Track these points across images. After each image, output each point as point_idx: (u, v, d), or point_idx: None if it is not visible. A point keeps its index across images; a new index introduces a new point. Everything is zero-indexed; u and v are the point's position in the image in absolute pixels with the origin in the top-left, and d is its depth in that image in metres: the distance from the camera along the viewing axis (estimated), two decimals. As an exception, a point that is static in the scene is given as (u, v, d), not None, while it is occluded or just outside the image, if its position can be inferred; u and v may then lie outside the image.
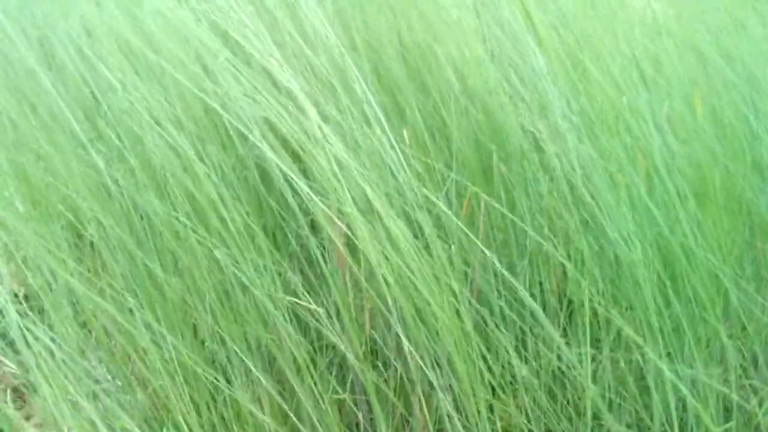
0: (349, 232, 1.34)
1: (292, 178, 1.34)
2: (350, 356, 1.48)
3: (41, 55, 1.67)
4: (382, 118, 1.34)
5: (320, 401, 1.50)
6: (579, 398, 1.57)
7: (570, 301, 1.59)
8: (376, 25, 1.65)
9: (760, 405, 1.54)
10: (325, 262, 1.52)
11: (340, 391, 1.58)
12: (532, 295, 1.53)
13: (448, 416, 1.42)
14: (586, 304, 1.38)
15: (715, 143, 1.27)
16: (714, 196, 1.27)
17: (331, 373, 1.61)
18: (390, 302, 1.37)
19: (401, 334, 1.40)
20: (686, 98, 1.29)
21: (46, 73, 1.49)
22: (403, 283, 1.31)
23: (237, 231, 1.44)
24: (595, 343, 1.59)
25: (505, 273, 1.29)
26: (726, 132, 1.31)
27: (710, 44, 1.32)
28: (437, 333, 1.39)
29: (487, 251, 1.32)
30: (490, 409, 1.43)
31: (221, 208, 1.42)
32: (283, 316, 1.47)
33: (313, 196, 1.31)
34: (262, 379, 1.46)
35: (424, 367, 1.38)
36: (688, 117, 1.28)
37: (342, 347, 1.46)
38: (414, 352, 1.39)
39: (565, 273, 1.57)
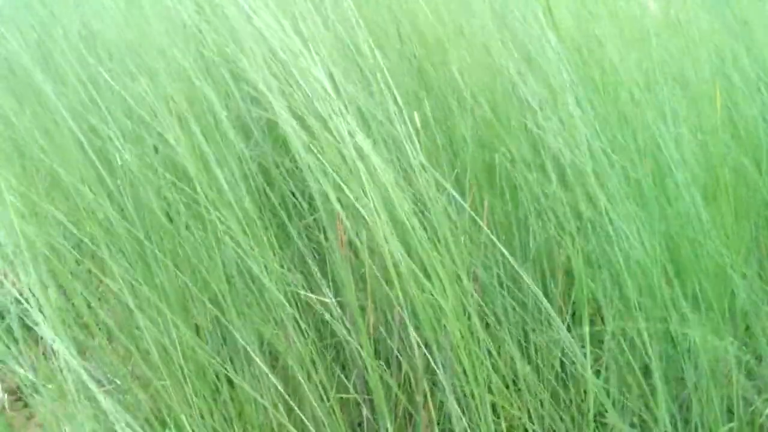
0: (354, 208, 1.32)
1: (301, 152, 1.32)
2: (354, 345, 1.47)
3: (39, 56, 1.66)
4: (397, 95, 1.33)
5: (324, 398, 1.49)
6: (582, 398, 1.57)
7: (574, 302, 1.59)
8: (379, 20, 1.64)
9: (764, 405, 1.53)
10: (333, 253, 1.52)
11: (347, 383, 1.58)
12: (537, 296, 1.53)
13: (454, 414, 1.42)
14: (585, 299, 1.38)
15: (729, 140, 1.26)
16: (725, 193, 1.26)
17: (334, 371, 1.61)
18: (399, 293, 1.35)
19: (407, 321, 1.39)
20: (700, 94, 1.29)
21: (46, 73, 1.48)
22: (414, 274, 1.30)
23: (241, 224, 1.44)
24: (598, 343, 1.58)
25: (510, 259, 1.28)
26: (739, 129, 1.31)
27: (725, 42, 1.32)
28: (445, 326, 1.38)
29: (495, 239, 1.31)
30: (493, 407, 1.42)
31: (229, 196, 1.42)
32: (291, 305, 1.46)
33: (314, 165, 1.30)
34: (267, 371, 1.45)
35: (430, 359, 1.38)
36: (703, 114, 1.27)
37: (345, 335, 1.46)
38: (420, 343, 1.38)
39: (569, 273, 1.56)
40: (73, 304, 1.55)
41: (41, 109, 1.55)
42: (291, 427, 1.48)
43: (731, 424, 1.50)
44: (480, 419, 1.39)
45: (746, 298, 1.44)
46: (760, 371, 1.57)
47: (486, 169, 1.54)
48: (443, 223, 1.29)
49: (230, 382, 1.53)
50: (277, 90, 1.33)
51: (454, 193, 1.35)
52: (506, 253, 1.32)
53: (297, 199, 1.64)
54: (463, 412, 1.43)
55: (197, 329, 1.56)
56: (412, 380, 1.57)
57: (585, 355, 1.43)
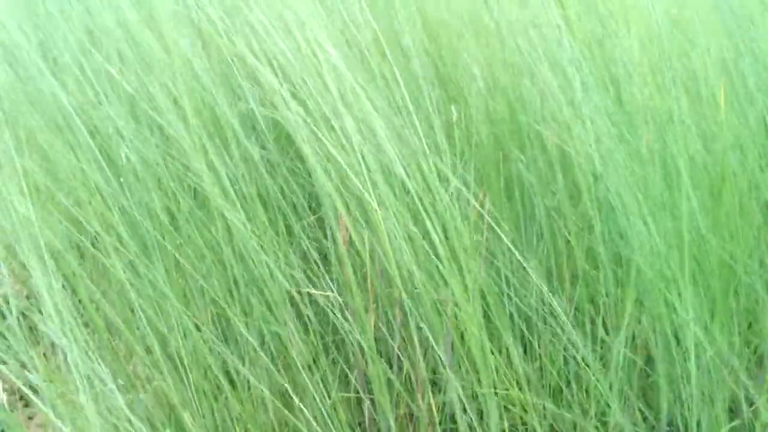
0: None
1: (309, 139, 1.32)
2: (356, 342, 1.47)
3: (41, 53, 1.65)
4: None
5: (326, 397, 1.49)
6: (585, 396, 1.57)
7: (577, 303, 1.59)
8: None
9: (767, 405, 1.54)
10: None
11: (351, 379, 1.58)
12: (542, 295, 1.53)
13: (457, 413, 1.41)
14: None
15: (733, 139, 1.27)
16: (730, 192, 1.27)
17: (336, 370, 1.60)
18: (402, 290, 1.35)
19: (409, 318, 1.38)
20: (707, 92, 1.29)
21: (49, 68, 1.47)
22: (428, 270, 1.30)
23: (244, 221, 1.43)
24: (600, 342, 1.58)
25: (517, 254, 1.27)
26: (743, 125, 1.31)
27: (730, 41, 1.32)
28: (447, 325, 1.38)
29: (501, 233, 1.31)
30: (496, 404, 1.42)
31: (232, 192, 1.42)
32: (293, 303, 1.46)
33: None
34: (269, 368, 1.45)
35: (437, 349, 1.37)
36: (709, 111, 1.27)
37: (349, 332, 1.46)
38: (430, 338, 1.38)
39: (574, 274, 1.56)
40: (77, 301, 1.54)
41: (41, 99, 1.54)
42: (292, 425, 1.48)
43: (733, 424, 1.50)
44: (488, 416, 1.39)
45: (749, 295, 1.44)
46: (763, 370, 1.58)
47: (496, 168, 1.54)
48: (450, 220, 1.29)
49: (231, 380, 1.53)
50: (282, 84, 1.32)
51: (464, 189, 1.34)
52: (512, 248, 1.32)
53: (298, 196, 1.63)
54: (465, 411, 1.42)
55: (199, 327, 1.56)
56: (414, 378, 1.56)
57: (590, 351, 1.43)
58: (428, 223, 1.28)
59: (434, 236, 1.28)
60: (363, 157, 1.26)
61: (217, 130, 1.51)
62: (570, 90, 1.29)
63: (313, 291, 1.48)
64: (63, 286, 1.57)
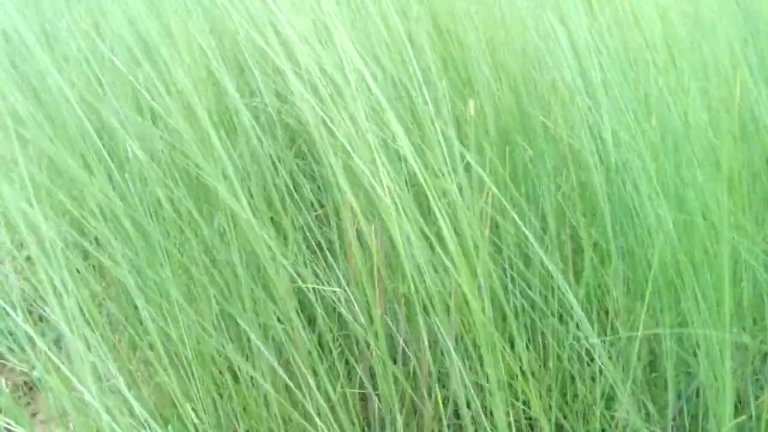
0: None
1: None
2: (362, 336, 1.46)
3: (46, 47, 1.64)
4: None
5: (331, 391, 1.49)
6: (589, 389, 1.57)
7: (585, 294, 1.58)
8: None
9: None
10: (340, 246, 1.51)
11: (359, 372, 1.57)
12: (544, 294, 1.53)
13: (462, 408, 1.41)
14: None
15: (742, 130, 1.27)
16: (738, 183, 1.27)
17: (341, 364, 1.60)
18: (411, 281, 1.34)
19: (417, 311, 1.38)
20: (718, 82, 1.29)
21: (52, 63, 1.46)
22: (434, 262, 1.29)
23: (248, 215, 1.42)
24: (608, 336, 1.58)
25: (529, 236, 1.27)
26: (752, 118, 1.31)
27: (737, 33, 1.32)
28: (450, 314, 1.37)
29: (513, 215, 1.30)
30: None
31: (236, 186, 1.41)
32: (297, 297, 1.46)
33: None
34: (272, 363, 1.44)
35: (451, 349, 1.36)
36: (721, 102, 1.27)
37: (356, 327, 1.45)
38: (444, 335, 1.38)
39: (577, 272, 1.56)
40: (77, 300, 1.53)
41: (48, 102, 1.53)
42: (297, 421, 1.47)
43: (738, 419, 1.50)
44: (493, 410, 1.39)
45: (756, 289, 1.44)
46: (766, 365, 1.58)
47: (502, 158, 1.54)
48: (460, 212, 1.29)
49: (235, 375, 1.52)
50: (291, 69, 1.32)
51: (479, 168, 1.33)
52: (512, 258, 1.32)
53: (304, 188, 1.63)
54: (469, 405, 1.42)
55: (202, 322, 1.55)
56: (419, 372, 1.56)
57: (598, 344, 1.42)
58: (437, 213, 1.27)
59: (442, 227, 1.27)
60: (374, 145, 1.25)
61: (222, 119, 1.51)
62: (581, 80, 1.29)
63: (319, 287, 1.48)
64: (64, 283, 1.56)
